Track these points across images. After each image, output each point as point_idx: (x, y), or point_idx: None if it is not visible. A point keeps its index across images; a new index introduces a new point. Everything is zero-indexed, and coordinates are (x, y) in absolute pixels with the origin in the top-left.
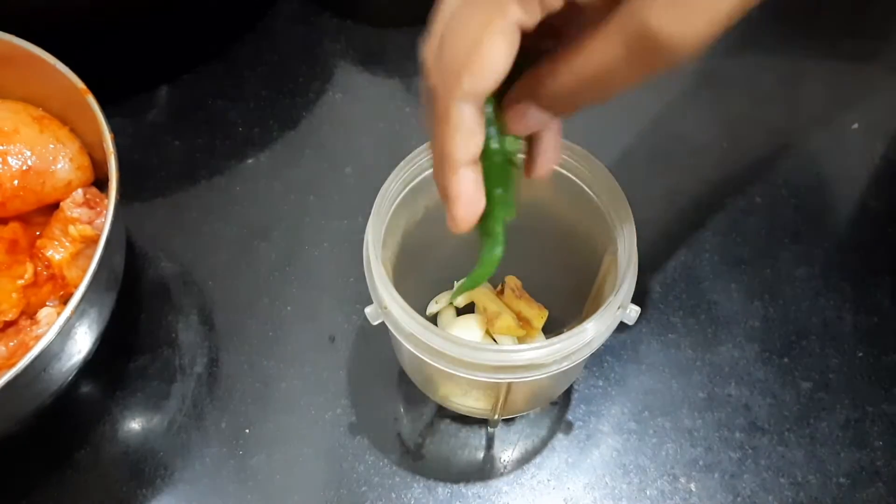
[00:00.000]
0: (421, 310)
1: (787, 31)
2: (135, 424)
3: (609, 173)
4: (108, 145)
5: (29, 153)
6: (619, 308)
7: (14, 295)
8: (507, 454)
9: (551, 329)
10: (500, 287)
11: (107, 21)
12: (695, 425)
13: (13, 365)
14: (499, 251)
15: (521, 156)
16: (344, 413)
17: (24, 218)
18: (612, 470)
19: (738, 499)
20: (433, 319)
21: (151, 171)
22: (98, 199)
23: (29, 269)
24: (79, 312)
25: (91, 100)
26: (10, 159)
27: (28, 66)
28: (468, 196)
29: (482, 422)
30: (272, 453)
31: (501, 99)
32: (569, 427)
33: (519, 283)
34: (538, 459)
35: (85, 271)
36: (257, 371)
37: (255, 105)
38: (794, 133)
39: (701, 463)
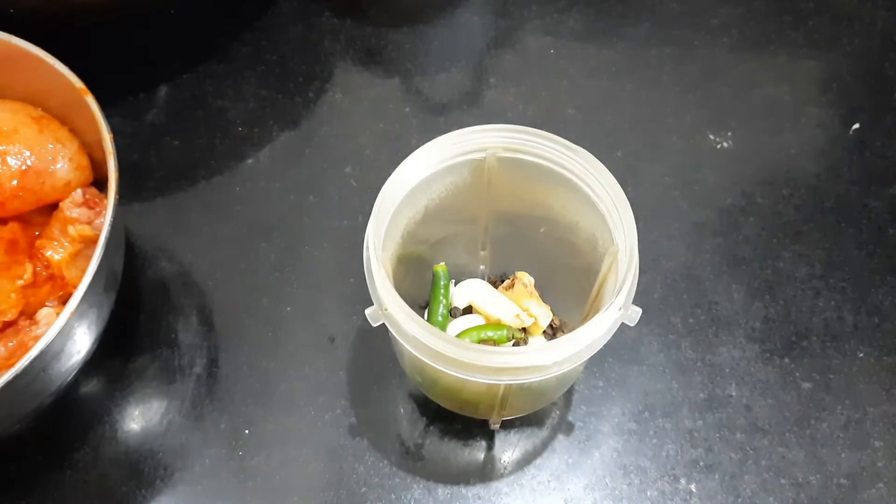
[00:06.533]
0: (421, 311)
1: (788, 30)
2: (134, 425)
3: (609, 173)
4: (107, 145)
5: (28, 153)
6: (620, 309)
7: (13, 295)
8: (507, 455)
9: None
10: (510, 280)
11: (107, 21)
12: (695, 426)
13: (12, 365)
14: None
15: None
16: (344, 414)
17: (23, 218)
18: (613, 471)
19: (739, 500)
20: None
21: (151, 171)
22: (97, 200)
23: (28, 270)
24: (78, 313)
25: (90, 100)
26: (9, 159)
27: (27, 65)
28: None
29: (482, 423)
30: (272, 454)
31: None
32: (569, 428)
33: (532, 280)
34: (538, 460)
35: (84, 272)
36: (257, 371)
37: (255, 105)
38: (795, 133)
39: (701, 464)
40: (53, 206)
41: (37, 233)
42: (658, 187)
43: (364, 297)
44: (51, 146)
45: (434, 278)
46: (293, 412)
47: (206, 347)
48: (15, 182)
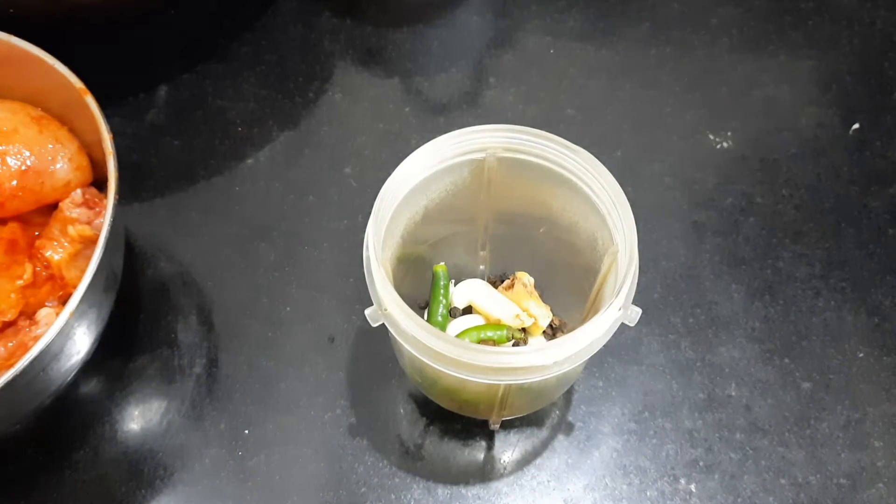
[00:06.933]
0: (421, 311)
1: (788, 30)
2: (134, 425)
3: (609, 173)
4: (106, 145)
5: (28, 153)
6: (619, 309)
7: (13, 295)
8: (506, 455)
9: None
10: (510, 280)
11: (107, 21)
12: (695, 426)
13: (12, 365)
14: None
15: None
16: (343, 414)
17: (22, 218)
18: (613, 471)
19: (739, 500)
20: None
21: (150, 171)
22: (97, 200)
23: (28, 270)
24: (78, 313)
25: (90, 100)
26: (8, 159)
27: (27, 66)
28: None
29: (482, 423)
30: (271, 454)
31: None
32: (569, 428)
33: (532, 280)
34: (538, 460)
35: (84, 272)
36: (256, 371)
37: (255, 105)
38: (795, 133)
39: (701, 464)
40: (53, 206)
41: (36, 233)
42: (658, 187)
43: (364, 297)
44: (50, 146)
45: (434, 278)
46: (293, 412)
47: (206, 347)
48: (14, 182)
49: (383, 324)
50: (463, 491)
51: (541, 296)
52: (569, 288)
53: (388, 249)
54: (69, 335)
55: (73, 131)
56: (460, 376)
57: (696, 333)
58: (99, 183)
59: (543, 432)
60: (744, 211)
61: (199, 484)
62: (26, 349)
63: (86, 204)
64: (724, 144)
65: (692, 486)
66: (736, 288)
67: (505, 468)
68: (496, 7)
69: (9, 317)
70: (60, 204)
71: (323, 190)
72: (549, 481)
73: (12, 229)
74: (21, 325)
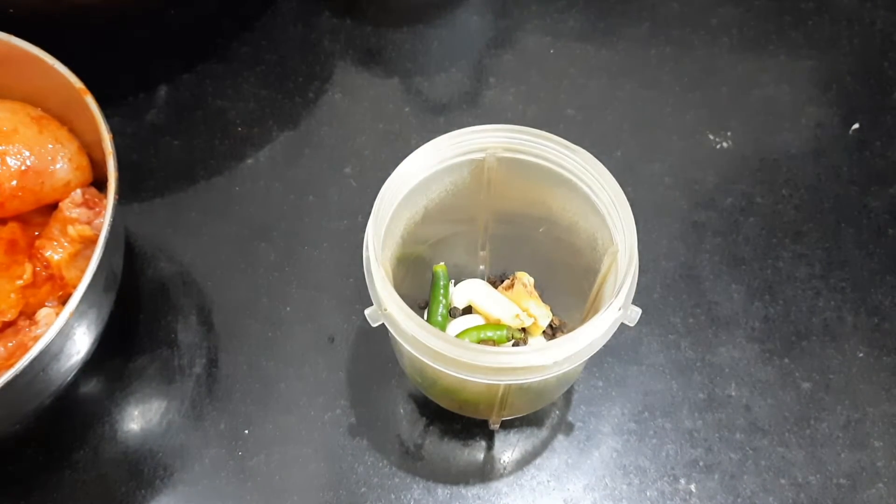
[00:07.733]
0: (421, 311)
1: (788, 30)
2: (134, 425)
3: (609, 173)
4: (106, 145)
5: (28, 153)
6: (619, 309)
7: (13, 295)
8: (506, 455)
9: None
10: (510, 280)
11: (106, 21)
12: (695, 426)
13: (12, 366)
14: None
15: None
16: (343, 414)
17: (22, 218)
18: (612, 471)
19: (739, 500)
20: None
21: (150, 171)
22: (97, 200)
23: (28, 270)
24: (78, 313)
25: (90, 100)
26: (8, 159)
27: (27, 65)
28: None
29: (482, 423)
30: (271, 454)
31: None
32: (569, 428)
33: (532, 280)
34: (538, 460)
35: (84, 272)
36: (256, 371)
37: (255, 105)
38: (795, 133)
39: (701, 464)
40: (53, 206)
41: (36, 233)
42: (658, 187)
43: (364, 297)
44: (50, 146)
45: (434, 278)
46: (293, 412)
47: (206, 347)
48: (14, 182)
49: (383, 324)
50: (463, 491)
51: (541, 296)
52: (569, 288)
53: (388, 249)
54: (69, 335)
55: (73, 131)
56: (460, 376)
57: (696, 333)
58: (99, 183)
59: (543, 432)
60: (744, 211)
61: (199, 484)
62: (26, 349)
63: (86, 204)
64: (724, 144)
65: (692, 486)
66: (736, 288)
67: (505, 468)
68: (496, 7)
69: (9, 317)
70: (60, 204)
71: (323, 190)
72: (549, 481)
73: (12, 229)
74: (21, 325)
